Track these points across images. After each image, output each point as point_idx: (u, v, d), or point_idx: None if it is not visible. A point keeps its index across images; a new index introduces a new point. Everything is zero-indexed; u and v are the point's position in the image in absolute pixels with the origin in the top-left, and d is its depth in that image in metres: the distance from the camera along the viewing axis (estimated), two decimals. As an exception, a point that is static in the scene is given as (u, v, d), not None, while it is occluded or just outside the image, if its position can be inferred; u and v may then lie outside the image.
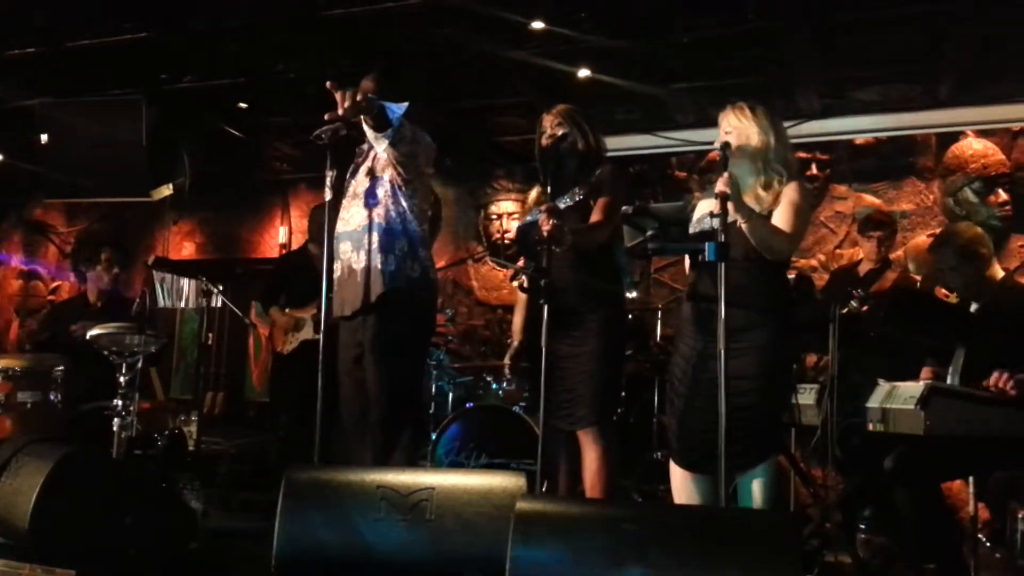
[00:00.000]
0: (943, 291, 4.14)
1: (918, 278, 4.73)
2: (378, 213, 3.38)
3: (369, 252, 3.35)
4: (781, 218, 2.97)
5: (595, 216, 3.32)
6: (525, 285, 3.43)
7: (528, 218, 3.59)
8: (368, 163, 3.48)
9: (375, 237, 3.35)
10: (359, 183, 3.47)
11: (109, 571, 2.57)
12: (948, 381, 3.42)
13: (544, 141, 3.45)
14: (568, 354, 3.31)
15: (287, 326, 5.06)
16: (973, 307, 3.55)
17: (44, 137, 5.73)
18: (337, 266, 3.43)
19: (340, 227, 3.46)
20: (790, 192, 3.01)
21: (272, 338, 5.26)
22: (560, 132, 3.40)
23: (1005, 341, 3.29)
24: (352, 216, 3.43)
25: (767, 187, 3.03)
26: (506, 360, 3.79)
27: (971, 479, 3.60)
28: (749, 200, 2.98)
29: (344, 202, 3.49)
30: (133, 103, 5.45)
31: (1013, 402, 3.05)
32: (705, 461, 2.90)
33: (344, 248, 3.43)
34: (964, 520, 3.76)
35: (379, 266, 3.32)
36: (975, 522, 3.58)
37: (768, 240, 2.92)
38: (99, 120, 5.51)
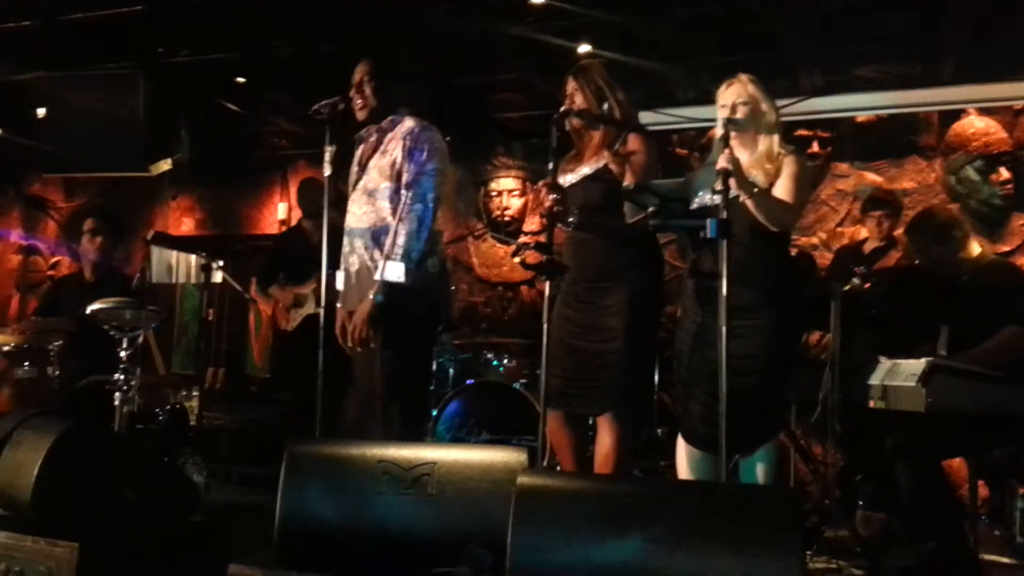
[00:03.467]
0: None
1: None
2: (393, 217, 3.34)
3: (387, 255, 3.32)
4: (783, 189, 2.99)
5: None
6: (527, 261, 3.41)
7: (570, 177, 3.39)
8: (378, 159, 3.38)
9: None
10: (371, 180, 3.37)
11: (111, 544, 2.57)
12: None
13: (577, 102, 3.30)
14: (592, 329, 3.23)
15: (288, 302, 5.06)
16: (959, 283, 3.58)
17: (41, 111, 5.70)
18: (354, 260, 3.34)
19: (352, 222, 3.38)
20: (789, 164, 3.03)
21: (275, 316, 5.26)
22: (585, 99, 3.28)
23: (986, 316, 3.32)
24: (366, 213, 3.35)
25: (774, 159, 3.02)
26: None
27: (969, 456, 3.62)
28: (757, 172, 2.98)
29: (354, 195, 3.40)
30: (130, 77, 5.41)
31: (1014, 379, 3.07)
32: (715, 440, 2.90)
33: (358, 244, 3.35)
34: (963, 497, 3.78)
35: None
36: (974, 499, 3.60)
37: (775, 212, 2.93)
38: (96, 94, 5.47)
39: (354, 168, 3.44)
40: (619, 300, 3.19)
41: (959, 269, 3.57)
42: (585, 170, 3.31)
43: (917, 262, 4.38)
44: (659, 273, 3.43)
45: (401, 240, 3.19)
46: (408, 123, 3.35)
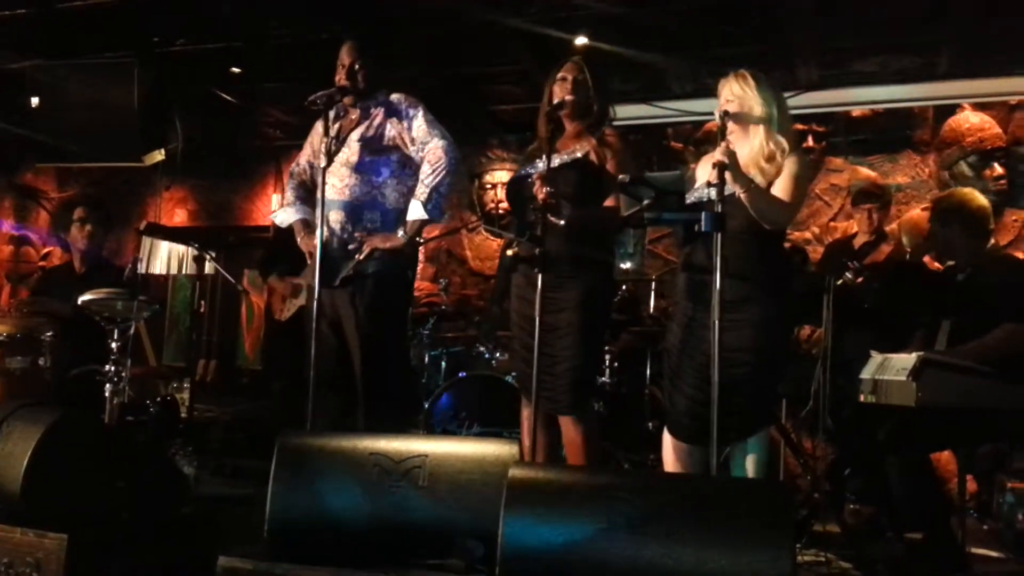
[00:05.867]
0: (934, 263, 4.15)
1: (910, 250, 4.73)
2: (382, 193, 3.37)
3: (368, 231, 3.33)
4: (781, 188, 2.97)
5: (610, 199, 3.20)
6: (520, 254, 3.40)
7: (520, 171, 3.45)
8: (362, 131, 3.42)
9: (376, 216, 3.33)
10: (352, 152, 3.40)
11: (101, 536, 2.57)
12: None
13: (558, 94, 3.30)
14: (547, 326, 3.15)
15: (286, 292, 5.04)
16: (959, 277, 3.56)
17: (35, 100, 5.67)
18: (324, 232, 3.25)
19: (331, 194, 3.35)
20: (790, 164, 3.00)
21: (270, 306, 5.25)
22: (575, 90, 3.28)
23: (989, 311, 3.32)
24: (348, 186, 3.36)
25: (770, 159, 3.00)
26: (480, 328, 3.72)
27: (958, 451, 3.63)
28: (752, 172, 2.96)
29: (331, 168, 3.36)
30: (125, 66, 5.38)
31: (1004, 375, 3.08)
32: (700, 432, 2.90)
33: (335, 217, 3.36)
34: (952, 491, 3.79)
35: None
36: (963, 493, 3.61)
37: (767, 210, 2.91)
38: (91, 83, 5.43)
39: (328, 140, 3.34)
40: (572, 296, 3.17)
41: (972, 260, 3.51)
42: (564, 157, 3.28)
43: (908, 256, 4.39)
44: (612, 266, 3.44)
45: (429, 178, 3.29)
46: (392, 97, 3.47)
